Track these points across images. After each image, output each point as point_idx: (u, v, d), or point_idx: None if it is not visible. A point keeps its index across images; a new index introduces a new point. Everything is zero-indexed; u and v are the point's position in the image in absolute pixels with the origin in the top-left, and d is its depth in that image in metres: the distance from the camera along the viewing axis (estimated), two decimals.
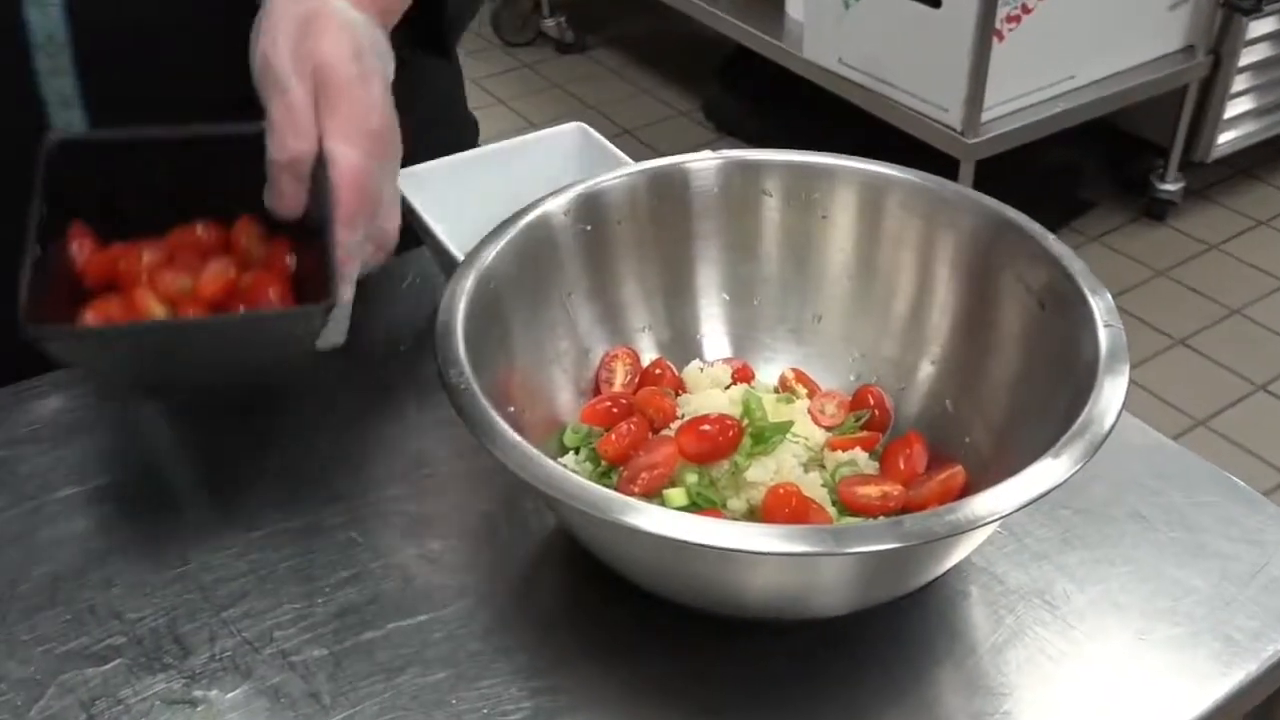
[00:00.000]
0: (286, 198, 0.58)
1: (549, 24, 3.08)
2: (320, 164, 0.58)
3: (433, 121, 0.82)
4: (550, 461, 0.48)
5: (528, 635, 0.56)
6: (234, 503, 0.62)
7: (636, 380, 0.64)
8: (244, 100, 0.60)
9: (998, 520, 0.46)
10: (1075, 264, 0.57)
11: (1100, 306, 0.55)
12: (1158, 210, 2.30)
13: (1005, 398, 0.59)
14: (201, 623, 0.56)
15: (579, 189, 0.61)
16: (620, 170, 0.63)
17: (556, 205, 0.60)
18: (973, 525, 0.46)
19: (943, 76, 1.97)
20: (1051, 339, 0.57)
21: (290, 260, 0.61)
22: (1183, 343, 2.05)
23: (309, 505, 0.62)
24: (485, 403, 0.50)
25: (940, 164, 2.00)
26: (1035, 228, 0.59)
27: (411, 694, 0.53)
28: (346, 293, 0.57)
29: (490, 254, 0.57)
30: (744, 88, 2.65)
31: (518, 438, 0.49)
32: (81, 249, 0.59)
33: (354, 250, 0.57)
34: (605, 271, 0.62)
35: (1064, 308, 0.56)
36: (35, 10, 0.62)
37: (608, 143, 0.79)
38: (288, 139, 0.57)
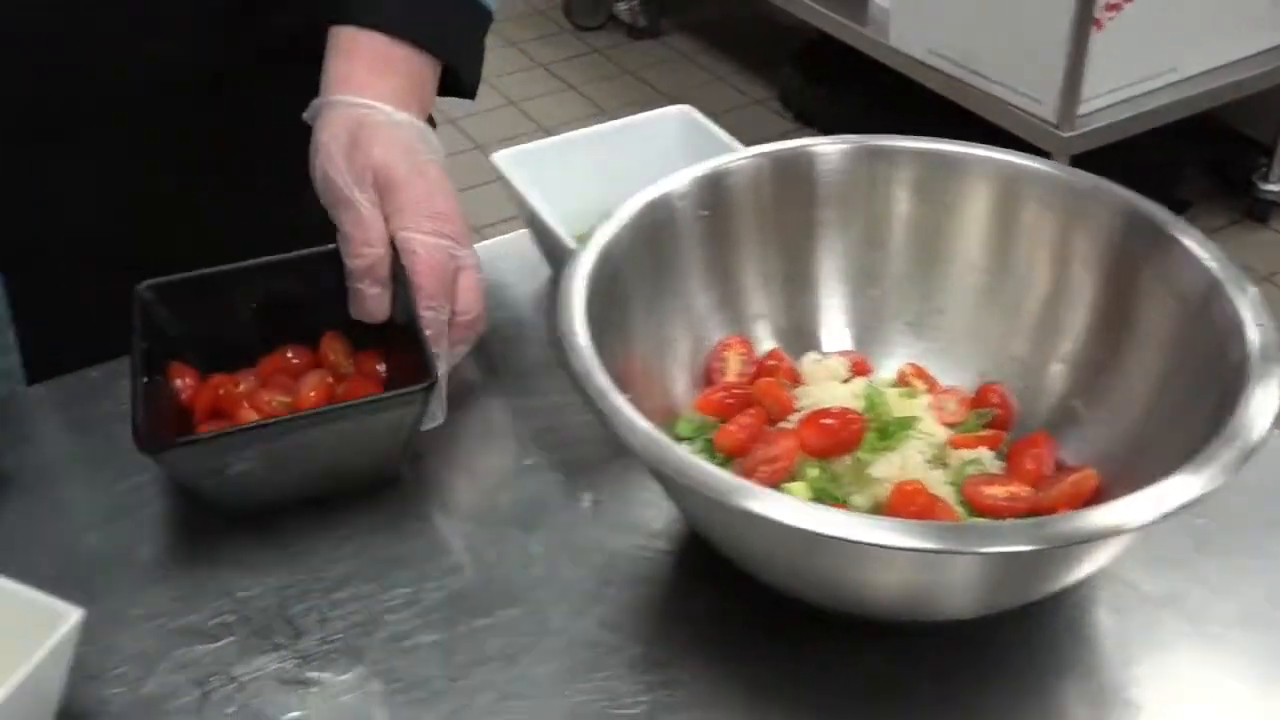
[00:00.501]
0: (369, 301, 0.63)
1: (621, 8, 3.08)
2: (397, 260, 0.62)
3: None
4: (680, 449, 0.49)
5: (644, 628, 0.56)
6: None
7: (751, 371, 0.64)
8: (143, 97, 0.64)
9: (1144, 528, 0.46)
10: (1220, 260, 0.56)
11: (1249, 305, 0.54)
12: (1260, 212, 2.26)
13: (1143, 400, 0.58)
14: (311, 604, 0.57)
15: (701, 170, 0.61)
16: (744, 153, 0.63)
17: (678, 186, 0.60)
18: (1118, 531, 0.46)
19: (1037, 67, 1.95)
20: (1195, 339, 0.56)
21: (380, 368, 0.65)
22: None
23: (415, 489, 0.63)
24: (612, 389, 0.50)
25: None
26: (1177, 223, 0.58)
27: (528, 682, 0.54)
28: (441, 369, 0.61)
29: (610, 234, 0.58)
30: (823, 75, 2.64)
31: (646, 424, 0.49)
32: (184, 384, 0.63)
33: (439, 328, 0.61)
34: (724, 256, 0.62)
35: (1208, 306, 0.56)
36: None
37: (713, 126, 0.80)
38: (362, 247, 0.62)
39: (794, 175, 0.62)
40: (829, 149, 0.62)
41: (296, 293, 0.66)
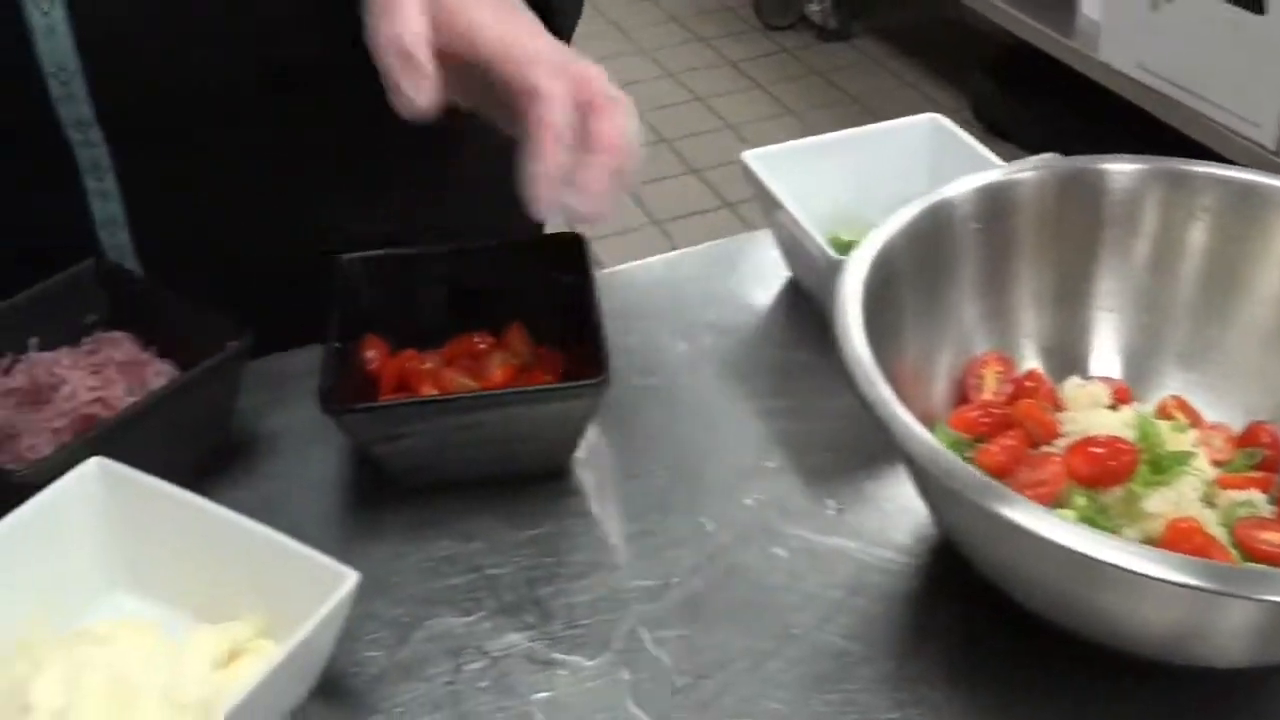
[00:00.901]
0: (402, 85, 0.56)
1: (813, 8, 3.06)
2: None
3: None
4: (964, 463, 0.48)
5: (893, 643, 0.55)
6: (583, 474, 0.64)
7: (1008, 390, 0.62)
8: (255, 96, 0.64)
9: None
10: None
11: None
12: None
13: None
14: (557, 588, 0.58)
15: (984, 180, 0.60)
16: (1028, 165, 0.61)
17: (958, 194, 0.59)
18: None
19: (1259, 90, 1.87)
20: None
21: (562, 362, 0.66)
22: None
23: (661, 482, 0.63)
24: (891, 396, 0.50)
25: None
26: None
27: (775, 685, 0.54)
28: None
29: (886, 238, 0.57)
30: (1021, 87, 2.57)
31: (926, 433, 0.49)
32: (374, 356, 0.65)
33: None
34: (998, 269, 0.61)
35: None
36: (45, 42, 0.65)
37: (965, 135, 0.78)
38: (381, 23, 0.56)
39: (1081, 192, 0.60)
40: (1122, 168, 0.60)
41: (488, 280, 0.67)
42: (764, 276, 0.78)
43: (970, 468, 0.47)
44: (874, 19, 3.11)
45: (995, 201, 0.60)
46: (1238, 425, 0.62)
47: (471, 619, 0.57)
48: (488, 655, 0.55)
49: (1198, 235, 0.60)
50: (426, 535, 0.61)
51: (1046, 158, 0.62)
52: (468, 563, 0.59)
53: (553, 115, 0.55)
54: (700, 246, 0.83)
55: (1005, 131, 2.58)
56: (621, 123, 0.57)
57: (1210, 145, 1.97)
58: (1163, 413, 0.63)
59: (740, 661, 0.55)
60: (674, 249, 0.89)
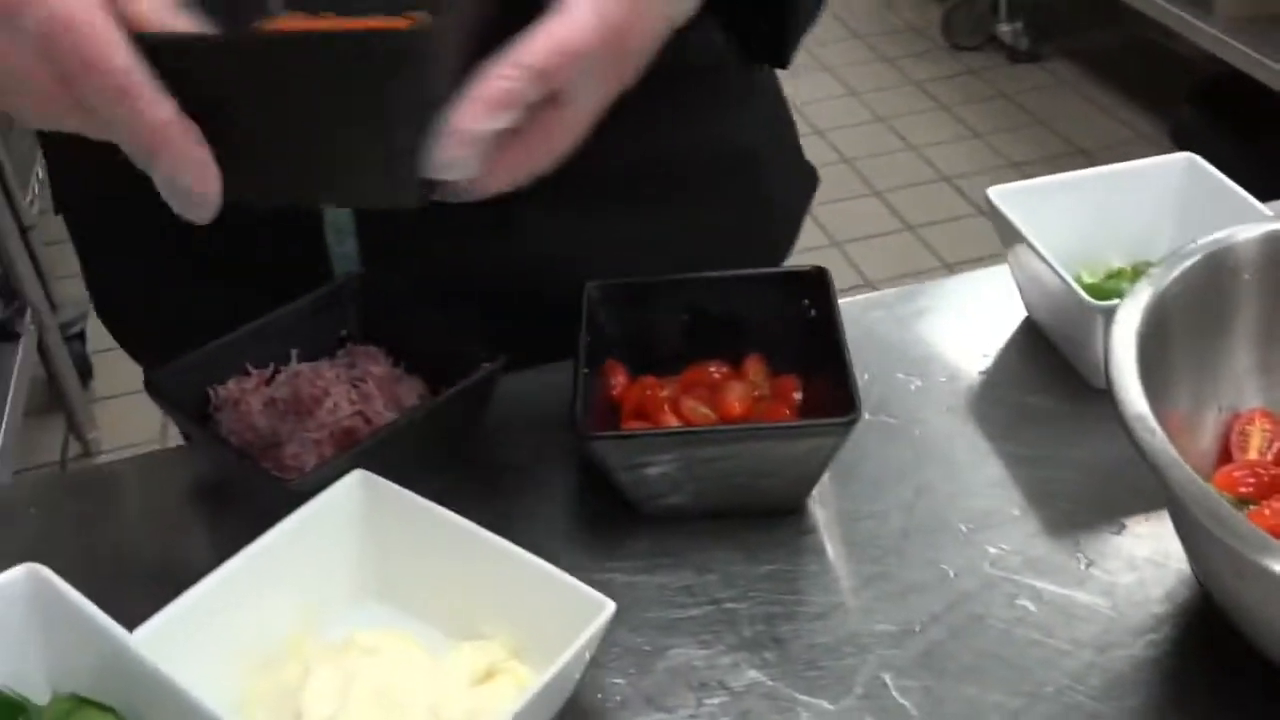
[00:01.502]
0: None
1: (1004, 29, 3.00)
2: None
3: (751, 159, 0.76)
4: (1242, 516, 0.46)
5: (1150, 710, 0.53)
6: (819, 512, 0.64)
7: (1275, 450, 0.60)
8: None
9: None
10: None
11: None
12: None
13: None
14: (797, 627, 0.58)
15: (1267, 228, 0.58)
16: None
17: (1246, 238, 0.57)
18: None
19: None
20: None
21: (797, 395, 0.65)
22: None
23: (900, 525, 0.63)
24: (1167, 444, 0.48)
25: None
26: None
27: None
28: (484, 127, 0.48)
29: (1164, 282, 0.55)
30: (1225, 115, 2.47)
31: (1207, 485, 0.47)
32: (616, 381, 0.66)
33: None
34: (1274, 321, 0.58)
35: None
36: None
37: (1221, 176, 0.75)
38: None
39: None
40: None
41: (727, 310, 0.68)
42: (998, 314, 0.77)
43: (1248, 521, 0.45)
44: (1068, 40, 3.03)
45: (1277, 250, 0.57)
46: None
47: (711, 652, 0.57)
48: (730, 691, 0.55)
49: None
50: (664, 564, 0.61)
51: None
52: (706, 595, 0.60)
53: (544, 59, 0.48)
54: (933, 281, 0.81)
55: (1209, 162, 2.49)
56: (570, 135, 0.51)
57: None
58: None
59: (990, 717, 0.54)
60: (855, 270, 0.88)
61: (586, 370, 0.63)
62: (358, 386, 0.62)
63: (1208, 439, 0.60)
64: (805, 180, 0.87)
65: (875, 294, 0.80)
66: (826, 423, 0.59)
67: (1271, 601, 0.49)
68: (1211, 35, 2.33)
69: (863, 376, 0.71)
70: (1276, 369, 0.59)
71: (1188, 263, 0.56)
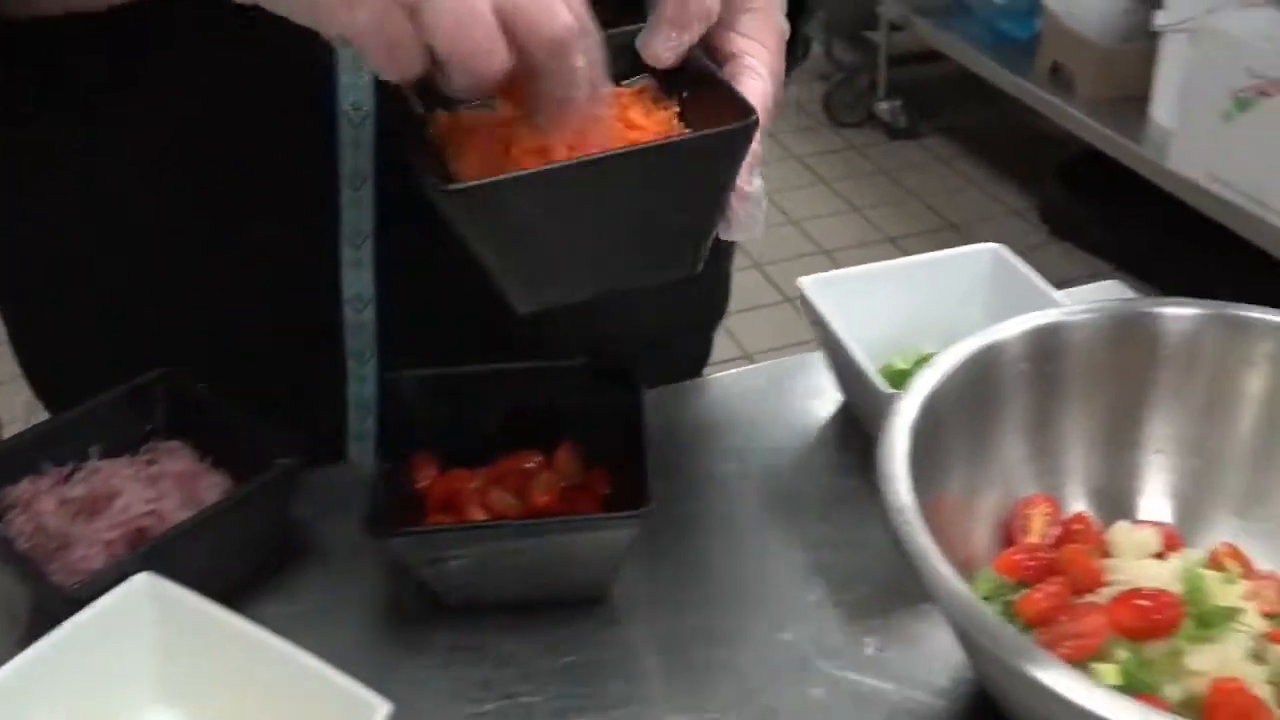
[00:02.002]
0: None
1: (883, 107, 3.09)
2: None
3: None
4: (999, 620, 0.47)
5: None
6: (624, 601, 0.64)
7: (1055, 533, 0.62)
8: None
9: None
10: None
11: None
12: None
13: None
14: (591, 719, 0.58)
15: (1036, 322, 0.60)
16: (1082, 308, 0.61)
17: (1010, 335, 0.59)
18: None
19: None
20: None
21: (607, 485, 0.66)
22: None
23: (691, 614, 0.63)
24: (933, 549, 0.50)
25: None
26: None
27: None
28: (757, 182, 0.57)
29: (935, 382, 0.57)
30: (1089, 192, 2.57)
31: (964, 588, 0.48)
32: (423, 475, 0.66)
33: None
34: (1047, 410, 0.61)
35: None
36: (349, 74, 0.64)
37: (1024, 266, 0.78)
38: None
39: (1135, 336, 0.60)
40: (1178, 312, 0.60)
41: (543, 400, 0.68)
42: (818, 398, 0.78)
43: (1005, 625, 0.47)
44: (944, 119, 3.13)
45: (1047, 343, 0.60)
46: None
47: None
48: None
49: (1255, 382, 0.60)
50: (465, 659, 0.61)
51: (1103, 298, 0.62)
52: (502, 689, 0.60)
53: None
54: (755, 365, 0.83)
55: (1071, 235, 2.58)
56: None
57: None
58: (1214, 560, 0.62)
59: None
60: (735, 342, 0.90)
61: (388, 465, 0.63)
62: (154, 484, 0.62)
63: (991, 523, 0.61)
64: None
65: (701, 380, 0.82)
66: (617, 516, 0.60)
67: (1029, 695, 0.50)
68: (1073, 116, 2.43)
69: (679, 460, 0.72)
70: (1050, 456, 0.61)
71: (960, 357, 0.58)
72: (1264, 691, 0.54)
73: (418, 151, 0.53)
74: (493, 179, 0.49)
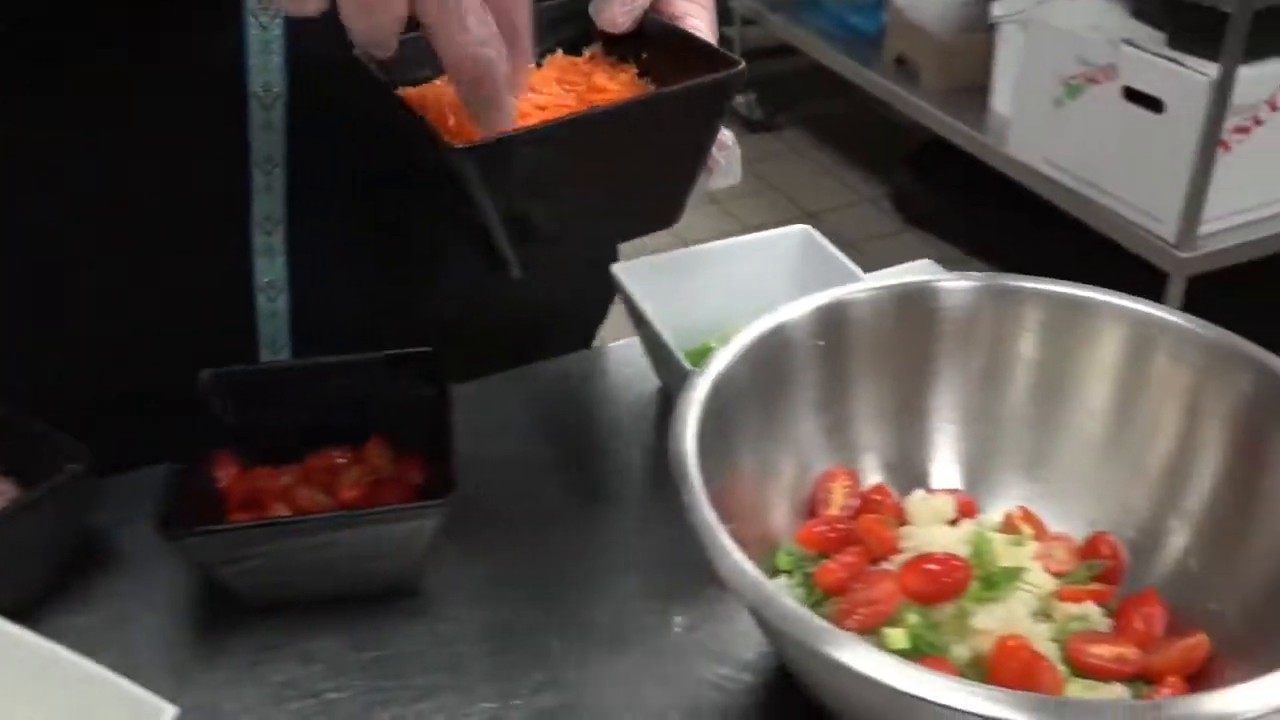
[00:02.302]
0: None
1: (739, 101, 3.12)
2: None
3: None
4: (783, 596, 0.48)
5: None
6: (435, 592, 0.64)
7: (855, 504, 0.63)
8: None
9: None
10: None
11: None
12: None
13: (1265, 570, 0.56)
14: (396, 713, 0.57)
15: (822, 301, 0.61)
16: (865, 285, 0.63)
17: (798, 315, 0.60)
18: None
19: (1159, 185, 1.92)
20: None
21: (419, 475, 0.65)
22: None
23: (504, 605, 0.63)
24: (718, 525, 0.50)
25: (1149, 277, 1.94)
26: None
27: None
28: (727, 132, 0.60)
29: (724, 364, 0.58)
30: (937, 179, 2.64)
31: (752, 567, 0.49)
32: (224, 474, 0.65)
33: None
34: (837, 386, 0.62)
35: None
36: (258, 55, 0.63)
37: (833, 248, 0.80)
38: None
39: (916, 310, 0.62)
40: (954, 286, 0.62)
41: (350, 394, 0.67)
42: (639, 384, 0.79)
43: (784, 596, 0.48)
44: (799, 111, 3.18)
45: (832, 321, 0.61)
46: (1081, 535, 0.63)
47: None
48: None
49: (1027, 349, 0.62)
50: (269, 658, 0.60)
51: (888, 279, 0.63)
52: (308, 688, 0.59)
53: None
54: (578, 354, 0.83)
55: (922, 221, 2.64)
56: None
57: (1114, 237, 2.03)
58: (1008, 523, 0.64)
59: None
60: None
61: (183, 465, 0.61)
62: None
63: (794, 498, 0.62)
64: None
65: (518, 370, 0.82)
66: (417, 506, 0.59)
67: (811, 663, 0.51)
68: (919, 106, 2.49)
69: (492, 450, 0.72)
70: (843, 430, 0.63)
71: (750, 338, 0.59)
72: (1048, 648, 0.56)
73: (412, 117, 0.54)
74: (507, 133, 0.50)
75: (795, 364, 0.61)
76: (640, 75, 0.59)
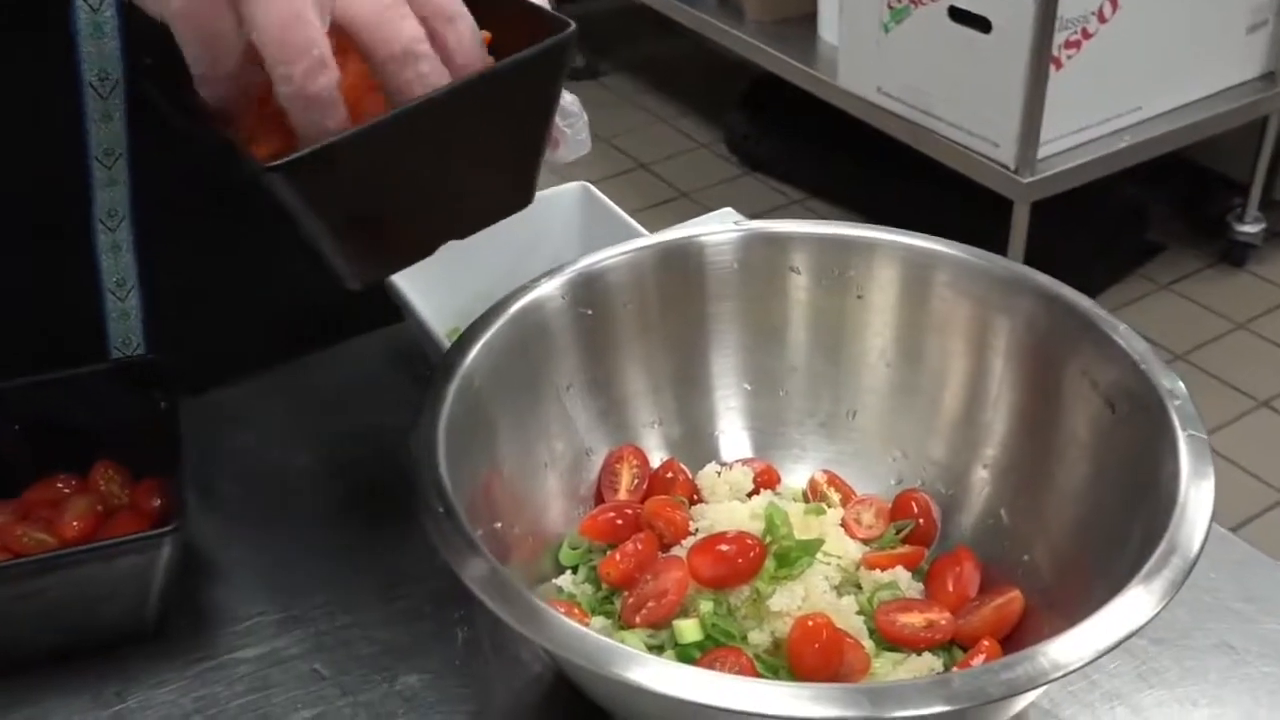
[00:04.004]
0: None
1: None
2: None
3: None
4: (547, 608, 0.46)
5: None
6: (177, 628, 0.60)
7: (645, 485, 0.61)
8: None
9: (1064, 676, 0.44)
10: (1150, 359, 0.55)
11: (1180, 410, 0.52)
12: (1236, 255, 2.27)
13: (1071, 512, 0.56)
14: None
15: (576, 269, 0.59)
16: (623, 246, 0.61)
17: (550, 289, 0.58)
18: (1033, 684, 0.43)
19: (993, 108, 1.96)
20: (1124, 446, 0.54)
21: (158, 500, 0.61)
22: (1266, 404, 2.02)
23: (264, 632, 0.60)
24: (472, 538, 0.48)
25: (992, 204, 1.98)
26: (1103, 316, 0.57)
27: None
28: (569, 96, 0.59)
29: (474, 350, 0.55)
30: (771, 118, 2.64)
31: (510, 578, 0.47)
32: None
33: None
34: (608, 361, 0.60)
35: (1138, 411, 0.54)
36: (90, 42, 0.61)
37: (612, 205, 0.78)
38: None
39: (680, 268, 0.60)
40: (717, 238, 0.60)
41: (67, 413, 0.63)
42: (401, 369, 0.76)
43: (523, 598, 0.46)
44: (622, 55, 3.16)
45: (591, 290, 0.59)
46: (890, 496, 0.63)
47: None
48: None
49: (801, 296, 0.61)
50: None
51: (647, 239, 0.61)
52: None
53: None
54: (328, 350, 0.80)
55: (759, 164, 2.65)
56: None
57: (954, 166, 2.06)
58: (813, 489, 0.63)
59: None
60: None
61: None
62: None
63: (572, 487, 0.60)
64: None
65: (274, 371, 0.78)
66: (142, 536, 0.55)
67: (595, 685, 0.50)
68: (746, 41, 2.48)
69: (251, 463, 0.68)
70: (620, 411, 0.61)
71: (495, 325, 0.57)
72: (853, 622, 0.55)
73: (213, 133, 0.51)
74: (320, 144, 0.47)
75: (555, 340, 0.58)
76: None
